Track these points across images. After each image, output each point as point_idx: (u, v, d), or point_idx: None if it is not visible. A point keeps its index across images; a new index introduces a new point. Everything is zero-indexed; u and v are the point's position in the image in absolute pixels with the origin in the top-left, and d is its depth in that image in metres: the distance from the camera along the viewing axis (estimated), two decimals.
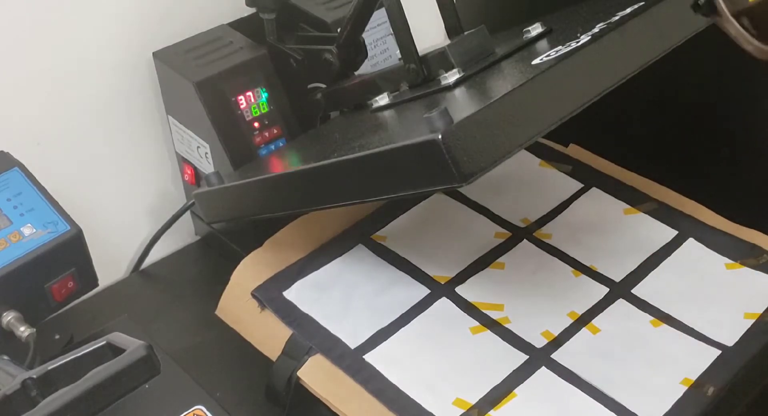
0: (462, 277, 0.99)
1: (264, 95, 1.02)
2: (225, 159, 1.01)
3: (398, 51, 0.92)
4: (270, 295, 0.96)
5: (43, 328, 0.90)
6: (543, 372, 0.89)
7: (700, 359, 0.89)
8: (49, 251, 0.88)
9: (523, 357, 0.91)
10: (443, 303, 0.97)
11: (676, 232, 1.04)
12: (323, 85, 1.04)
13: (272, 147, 1.03)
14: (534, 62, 0.82)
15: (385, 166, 0.74)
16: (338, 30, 1.00)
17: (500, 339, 0.93)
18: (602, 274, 0.99)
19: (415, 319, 0.95)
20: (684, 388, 0.86)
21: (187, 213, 1.14)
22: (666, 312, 0.95)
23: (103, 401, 0.60)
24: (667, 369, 0.88)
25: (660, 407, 0.85)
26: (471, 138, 0.70)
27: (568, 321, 0.94)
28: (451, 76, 0.86)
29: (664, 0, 0.81)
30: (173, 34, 1.05)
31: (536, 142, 1.11)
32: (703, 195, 1.06)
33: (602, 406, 0.85)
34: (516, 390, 0.87)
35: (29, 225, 0.88)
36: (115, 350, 0.63)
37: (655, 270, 0.99)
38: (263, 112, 1.03)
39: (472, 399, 0.86)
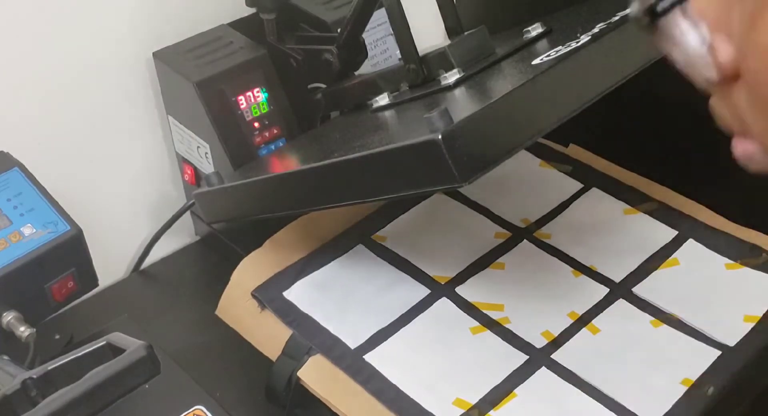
0: (462, 277, 0.99)
1: (264, 95, 1.02)
2: (225, 159, 1.01)
3: (398, 51, 0.92)
4: (270, 295, 0.96)
5: (43, 328, 0.90)
6: (543, 372, 0.89)
7: (701, 359, 0.89)
8: (49, 251, 0.88)
9: (523, 357, 0.91)
10: (443, 304, 0.97)
11: (676, 232, 1.04)
12: (323, 85, 1.04)
13: (272, 147, 1.03)
14: (534, 62, 0.82)
15: (385, 166, 0.74)
16: (338, 30, 1.00)
17: (500, 339, 0.93)
18: (602, 274, 0.99)
19: (415, 319, 0.95)
20: (684, 388, 0.86)
21: (187, 213, 1.14)
22: (666, 312, 0.95)
23: (103, 401, 0.60)
24: (668, 369, 0.88)
25: (660, 407, 0.84)
26: (471, 138, 0.70)
27: (568, 322, 0.94)
28: (451, 76, 0.86)
29: None
30: (173, 34, 1.05)
31: (536, 142, 1.11)
32: (703, 195, 1.06)
33: (602, 406, 0.85)
34: (516, 390, 0.87)
35: (29, 225, 0.88)
36: (115, 350, 0.63)
37: (655, 270, 0.99)
38: (263, 112, 1.03)
39: (473, 399, 0.86)
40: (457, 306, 0.96)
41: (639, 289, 0.97)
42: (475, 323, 0.94)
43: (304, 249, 1.02)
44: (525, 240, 1.04)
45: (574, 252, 1.02)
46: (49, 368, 0.63)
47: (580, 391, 0.87)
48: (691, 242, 1.02)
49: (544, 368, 0.89)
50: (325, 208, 0.88)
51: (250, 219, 1.00)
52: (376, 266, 1.01)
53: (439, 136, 0.67)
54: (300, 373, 0.89)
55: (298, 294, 0.97)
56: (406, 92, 0.92)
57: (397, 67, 0.94)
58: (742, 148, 0.41)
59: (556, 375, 0.89)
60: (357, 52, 1.01)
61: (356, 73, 1.03)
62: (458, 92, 0.85)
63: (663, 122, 1.16)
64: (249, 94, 1.01)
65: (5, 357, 0.77)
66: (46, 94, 0.99)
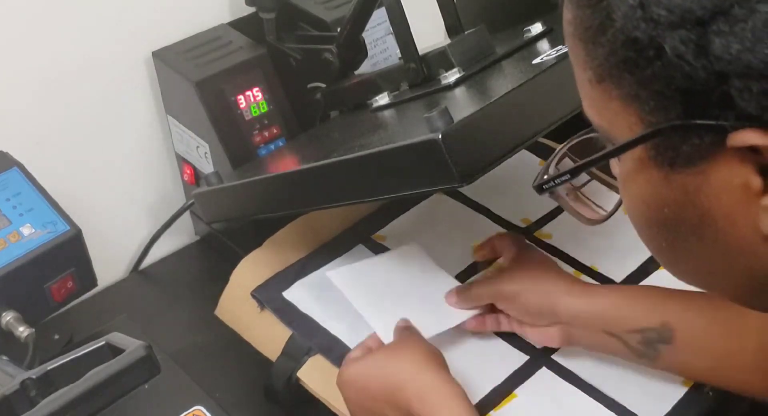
0: (462, 278, 0.99)
1: (263, 95, 1.02)
2: (224, 159, 1.01)
3: (398, 50, 0.92)
4: (269, 295, 0.96)
5: (42, 328, 0.90)
6: (543, 372, 0.89)
7: None
8: (48, 251, 0.87)
9: (523, 358, 0.90)
10: None
11: None
12: (323, 85, 1.04)
13: (272, 147, 1.03)
14: (534, 61, 0.82)
15: (385, 166, 0.74)
16: (338, 29, 1.00)
17: (500, 339, 0.92)
18: (603, 274, 0.99)
19: None
20: (684, 389, 0.86)
21: (187, 213, 1.14)
22: None
23: (102, 401, 0.60)
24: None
25: (660, 407, 0.84)
26: (471, 138, 0.70)
27: None
28: (452, 76, 0.86)
29: None
30: (173, 33, 1.05)
31: (536, 142, 1.11)
32: None
33: (602, 406, 0.85)
34: (516, 391, 0.87)
35: (28, 225, 0.88)
36: (114, 350, 0.63)
37: (656, 270, 0.99)
38: (263, 111, 1.02)
39: (473, 400, 0.86)
40: None
41: None
42: None
43: (304, 249, 1.01)
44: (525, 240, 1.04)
45: (575, 252, 1.02)
46: (49, 368, 0.63)
47: (580, 391, 0.87)
48: None
49: (544, 368, 0.89)
50: (325, 208, 0.88)
51: (249, 219, 1.00)
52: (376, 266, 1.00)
53: (439, 136, 0.67)
54: (300, 373, 0.89)
55: (297, 294, 0.96)
56: (406, 92, 0.92)
57: (397, 66, 0.94)
58: None
59: (556, 375, 0.89)
60: (357, 51, 1.01)
61: (356, 72, 1.03)
62: (458, 92, 0.85)
63: None
64: (248, 93, 1.01)
65: (4, 358, 0.77)
66: (45, 94, 0.99)
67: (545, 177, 0.61)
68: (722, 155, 0.45)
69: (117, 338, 0.64)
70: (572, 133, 0.64)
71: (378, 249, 1.03)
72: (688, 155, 0.46)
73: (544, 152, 1.15)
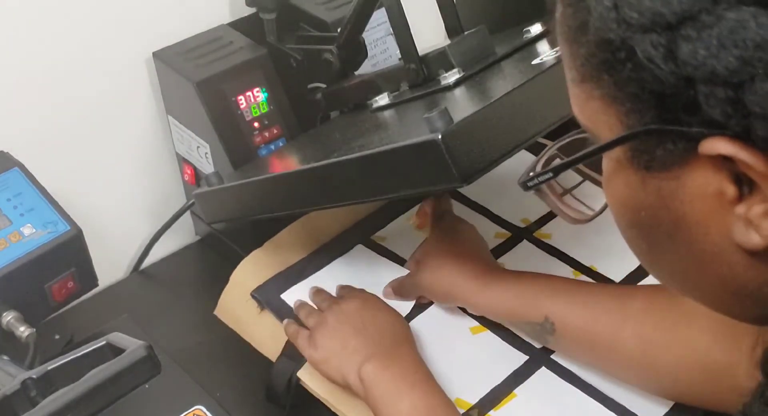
0: None
1: (264, 95, 1.02)
2: (225, 159, 1.01)
3: (398, 51, 0.92)
4: (269, 296, 0.96)
5: (43, 328, 0.90)
6: (543, 372, 0.89)
7: None
8: (48, 251, 0.87)
9: (523, 358, 0.90)
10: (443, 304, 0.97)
11: None
12: (323, 85, 1.04)
13: (272, 147, 1.03)
14: (534, 62, 0.82)
15: (386, 166, 0.74)
16: (338, 30, 1.00)
17: (500, 339, 0.93)
18: (602, 274, 0.99)
19: (414, 319, 0.95)
20: None
21: (187, 213, 1.14)
22: None
23: (103, 401, 0.60)
24: None
25: (660, 407, 0.84)
26: (471, 138, 0.70)
27: None
28: (451, 76, 0.86)
29: None
30: (173, 34, 1.05)
31: (536, 142, 1.11)
32: None
33: (602, 406, 0.85)
34: (516, 391, 0.87)
35: (29, 225, 0.88)
36: (115, 350, 0.63)
37: None
38: (263, 112, 1.02)
39: (472, 399, 0.86)
40: (456, 305, 0.96)
41: None
42: (475, 323, 0.94)
43: (304, 249, 1.01)
44: (525, 240, 1.04)
45: (575, 252, 1.02)
46: (49, 368, 0.63)
47: (580, 391, 0.87)
48: None
49: (543, 368, 0.89)
50: (325, 208, 0.88)
51: (250, 219, 1.00)
52: (375, 266, 1.01)
53: (439, 136, 0.67)
54: (300, 374, 0.89)
55: (297, 294, 0.96)
56: (406, 92, 0.92)
57: (397, 66, 0.94)
58: None
59: (556, 375, 0.89)
60: (357, 51, 1.01)
61: (356, 72, 1.03)
62: (458, 92, 0.85)
63: None
64: (249, 94, 1.01)
65: (5, 357, 0.77)
66: (46, 95, 0.99)
67: (530, 174, 0.63)
68: (696, 162, 0.45)
69: (117, 338, 0.64)
70: None
71: (378, 249, 1.03)
72: (663, 160, 0.47)
73: None
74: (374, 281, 0.98)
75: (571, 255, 1.01)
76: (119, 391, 0.61)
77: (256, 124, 1.02)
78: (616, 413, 0.85)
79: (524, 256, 1.02)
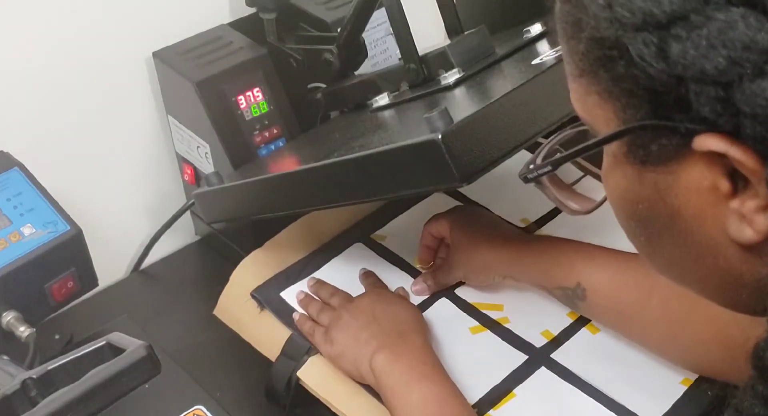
0: None
1: (264, 95, 1.02)
2: (225, 159, 1.01)
3: (398, 51, 0.92)
4: (269, 296, 0.96)
5: (42, 328, 0.90)
6: (542, 372, 0.89)
7: None
8: (48, 251, 0.87)
9: (522, 357, 0.91)
10: (443, 304, 0.97)
11: None
12: (323, 85, 1.04)
13: (272, 147, 1.03)
14: (534, 62, 0.82)
15: (385, 166, 0.74)
16: (338, 30, 1.00)
17: (500, 339, 0.93)
18: None
19: None
20: (684, 388, 0.86)
21: (187, 213, 1.14)
22: None
23: (102, 401, 0.60)
24: (667, 369, 0.88)
25: (660, 407, 0.84)
26: (471, 138, 0.70)
27: (568, 321, 0.94)
28: (451, 76, 0.86)
29: None
30: (173, 33, 1.05)
31: (536, 142, 1.11)
32: None
33: (602, 406, 0.85)
34: (515, 390, 0.87)
35: (29, 225, 0.88)
36: (115, 350, 0.63)
37: None
38: (263, 111, 1.02)
39: (472, 399, 0.86)
40: (456, 306, 0.96)
41: None
42: (475, 323, 0.94)
43: (304, 249, 1.01)
44: None
45: None
46: (49, 368, 0.63)
47: (579, 391, 0.87)
48: None
49: (543, 368, 0.89)
50: (325, 208, 0.88)
51: (250, 219, 1.00)
52: (375, 265, 1.01)
53: (439, 136, 0.67)
54: (300, 374, 0.89)
55: (295, 295, 0.97)
56: (406, 92, 0.92)
57: (397, 66, 0.94)
58: None
59: (555, 375, 0.89)
60: (357, 51, 1.01)
61: (356, 72, 1.03)
62: (458, 92, 0.85)
63: None
64: (249, 93, 1.01)
65: (5, 357, 0.77)
66: (46, 94, 0.99)
67: (530, 167, 0.64)
68: (691, 157, 0.46)
69: (117, 338, 0.64)
70: None
71: (377, 248, 1.03)
72: (658, 154, 0.47)
73: None
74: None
75: None
76: (119, 391, 0.61)
77: (256, 124, 1.02)
78: (615, 413, 0.85)
79: None
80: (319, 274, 0.99)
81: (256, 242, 1.01)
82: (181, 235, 1.16)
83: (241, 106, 1.01)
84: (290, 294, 0.96)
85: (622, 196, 0.53)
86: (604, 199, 0.62)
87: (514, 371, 0.89)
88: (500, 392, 0.87)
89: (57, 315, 0.95)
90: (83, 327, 0.99)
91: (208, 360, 0.98)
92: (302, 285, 0.98)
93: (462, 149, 0.69)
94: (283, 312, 0.94)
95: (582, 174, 1.10)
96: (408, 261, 1.01)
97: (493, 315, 0.95)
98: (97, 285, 0.96)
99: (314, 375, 0.89)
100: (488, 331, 0.94)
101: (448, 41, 0.91)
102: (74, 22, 0.98)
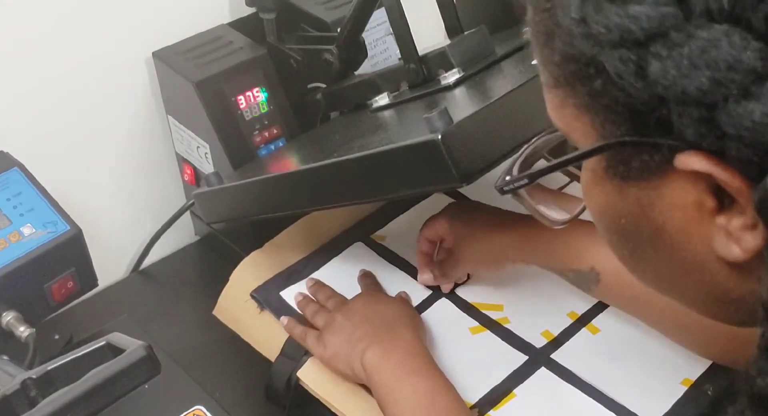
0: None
1: (264, 95, 1.02)
2: (225, 159, 1.01)
3: (398, 51, 0.92)
4: (269, 296, 0.96)
5: (42, 328, 0.90)
6: (542, 372, 0.89)
7: (701, 359, 0.88)
8: (48, 251, 0.87)
9: (522, 358, 0.90)
10: (443, 304, 0.97)
11: None
12: (323, 85, 1.04)
13: (272, 147, 1.03)
14: (534, 62, 0.82)
15: (385, 166, 0.74)
16: (338, 30, 1.00)
17: (500, 339, 0.93)
18: None
19: None
20: (684, 388, 0.86)
21: (187, 214, 1.14)
22: None
23: (102, 401, 0.60)
24: (667, 369, 0.88)
25: (660, 407, 0.84)
26: (471, 138, 0.70)
27: (568, 321, 0.94)
28: (451, 76, 0.86)
29: None
30: (173, 33, 1.05)
31: None
32: None
33: (602, 406, 0.85)
34: (516, 390, 0.87)
35: (29, 225, 0.88)
36: (114, 350, 0.63)
37: None
38: (263, 112, 1.02)
39: (472, 399, 0.86)
40: (456, 306, 0.96)
41: None
42: (475, 323, 0.94)
43: (304, 249, 1.01)
44: None
45: None
46: (49, 368, 0.63)
47: (579, 391, 0.87)
48: None
49: (543, 368, 0.89)
50: (325, 208, 0.88)
51: (249, 220, 1.00)
52: (375, 265, 1.01)
53: (439, 136, 0.67)
54: (299, 374, 0.89)
55: (294, 294, 0.96)
56: (406, 92, 0.92)
57: (396, 66, 0.94)
58: None
59: (555, 375, 0.89)
60: (357, 51, 1.01)
61: (356, 72, 1.03)
62: (458, 92, 0.85)
63: None
64: (249, 94, 1.01)
65: (5, 357, 0.77)
66: (45, 94, 0.99)
67: (507, 178, 0.62)
68: (674, 173, 0.44)
69: (117, 338, 0.64)
70: None
71: (377, 248, 1.03)
72: (640, 170, 0.46)
73: None
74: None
75: None
76: (119, 391, 0.60)
77: (255, 125, 1.02)
78: (614, 412, 0.85)
79: None
80: (318, 275, 0.99)
81: (255, 242, 1.01)
82: (181, 235, 1.16)
83: (241, 106, 1.01)
84: (290, 295, 0.96)
85: (603, 211, 0.51)
86: (583, 210, 0.61)
87: (514, 371, 0.89)
88: (500, 392, 0.87)
89: (57, 315, 0.95)
90: (83, 327, 0.99)
91: (207, 360, 0.98)
92: (302, 286, 0.98)
93: (462, 149, 0.68)
94: (283, 313, 0.94)
95: (568, 180, 1.11)
96: (408, 261, 1.01)
97: (493, 315, 0.95)
98: (96, 285, 0.96)
99: (314, 375, 0.89)
100: (488, 331, 0.93)
101: (448, 41, 0.91)
102: (74, 22, 0.98)
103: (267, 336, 0.95)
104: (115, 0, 1.01)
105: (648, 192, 0.46)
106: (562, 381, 0.88)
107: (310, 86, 1.05)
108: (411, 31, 0.90)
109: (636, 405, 0.85)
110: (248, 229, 1.06)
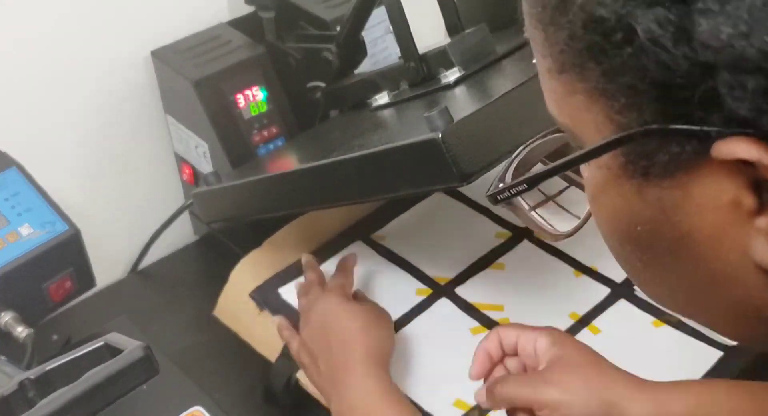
0: (462, 278, 0.99)
1: (263, 94, 1.02)
2: (223, 158, 1.01)
3: (398, 49, 0.92)
4: (268, 296, 0.96)
5: (40, 329, 0.90)
6: None
7: (701, 360, 0.88)
8: (46, 251, 0.87)
9: None
10: (443, 304, 0.96)
11: None
12: (323, 84, 1.04)
13: (271, 146, 1.03)
14: (535, 61, 0.81)
15: (385, 166, 0.74)
16: (338, 28, 1.00)
17: None
18: (603, 275, 0.99)
19: (415, 320, 0.94)
20: None
21: (186, 213, 1.14)
22: (667, 312, 0.94)
23: (101, 402, 0.59)
24: (668, 369, 0.88)
25: None
26: (471, 137, 0.69)
27: (569, 322, 0.93)
28: (452, 75, 0.85)
29: None
30: (171, 32, 1.05)
31: None
32: None
33: None
34: None
35: (27, 225, 0.88)
36: (113, 350, 0.63)
37: None
38: (262, 111, 1.02)
39: (473, 400, 0.86)
40: (457, 306, 0.96)
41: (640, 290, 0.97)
42: (476, 323, 0.94)
43: (303, 249, 1.01)
44: (525, 240, 1.04)
45: (575, 252, 1.01)
46: (47, 368, 0.62)
47: None
48: None
49: None
50: (324, 208, 0.87)
51: (248, 219, 1.00)
52: (375, 265, 1.00)
53: (439, 135, 0.67)
54: (299, 374, 0.89)
55: (295, 293, 0.96)
56: (406, 91, 0.92)
57: (396, 65, 0.93)
58: None
59: None
60: (356, 50, 1.01)
61: (356, 71, 1.03)
62: (458, 91, 0.85)
63: None
64: (248, 92, 1.01)
65: (3, 358, 0.77)
66: (43, 93, 0.99)
67: (500, 185, 0.54)
68: (707, 166, 0.37)
69: (115, 338, 0.64)
70: None
71: (377, 248, 1.02)
72: (665, 165, 0.38)
73: None
74: (373, 281, 0.98)
75: (571, 256, 1.01)
76: (117, 392, 0.60)
77: (254, 124, 1.02)
78: None
79: (525, 256, 1.02)
80: None
81: (254, 242, 1.01)
82: (180, 235, 1.16)
83: (240, 105, 1.01)
84: (289, 294, 0.96)
85: (615, 217, 0.44)
86: (588, 216, 0.55)
87: None
88: None
89: (55, 315, 0.95)
90: (81, 327, 0.98)
91: (206, 360, 0.97)
92: (300, 284, 0.97)
93: (462, 148, 0.68)
94: (283, 313, 0.94)
95: (565, 185, 1.10)
96: (408, 261, 1.01)
97: (494, 315, 0.95)
98: (95, 285, 0.95)
99: None
100: (489, 332, 0.93)
101: (449, 40, 0.91)
102: (72, 21, 0.98)
103: (267, 336, 0.94)
104: None
105: (672, 191, 0.39)
106: None
107: (309, 85, 1.05)
108: (411, 29, 0.89)
109: None
110: (247, 229, 1.06)
